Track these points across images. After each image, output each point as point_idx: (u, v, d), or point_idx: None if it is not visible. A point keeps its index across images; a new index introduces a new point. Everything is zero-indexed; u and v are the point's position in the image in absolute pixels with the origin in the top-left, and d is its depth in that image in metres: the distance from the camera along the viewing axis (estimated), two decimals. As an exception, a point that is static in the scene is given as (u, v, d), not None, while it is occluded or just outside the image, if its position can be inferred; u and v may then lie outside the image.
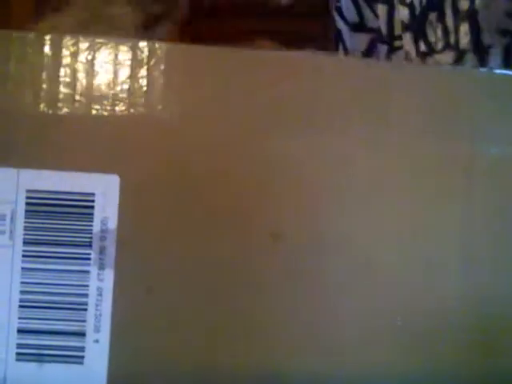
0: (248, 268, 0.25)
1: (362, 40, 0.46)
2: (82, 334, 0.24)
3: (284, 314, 0.25)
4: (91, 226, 0.24)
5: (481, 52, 0.35)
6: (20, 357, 0.24)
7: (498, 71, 0.25)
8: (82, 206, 0.24)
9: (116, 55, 0.25)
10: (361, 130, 0.25)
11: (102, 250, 0.24)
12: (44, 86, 0.24)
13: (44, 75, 0.24)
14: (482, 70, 0.25)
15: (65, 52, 0.24)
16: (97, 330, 0.24)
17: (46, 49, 0.24)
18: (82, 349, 0.24)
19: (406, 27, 0.41)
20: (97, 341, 0.24)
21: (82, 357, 0.24)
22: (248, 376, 0.25)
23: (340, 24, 0.48)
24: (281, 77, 0.25)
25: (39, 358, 0.24)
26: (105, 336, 0.24)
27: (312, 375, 0.25)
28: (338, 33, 0.48)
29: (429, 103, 0.25)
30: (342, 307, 0.25)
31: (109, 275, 0.24)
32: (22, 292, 0.24)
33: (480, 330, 0.25)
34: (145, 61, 0.25)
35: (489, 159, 0.25)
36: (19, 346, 0.24)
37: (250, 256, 0.25)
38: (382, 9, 0.43)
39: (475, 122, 0.25)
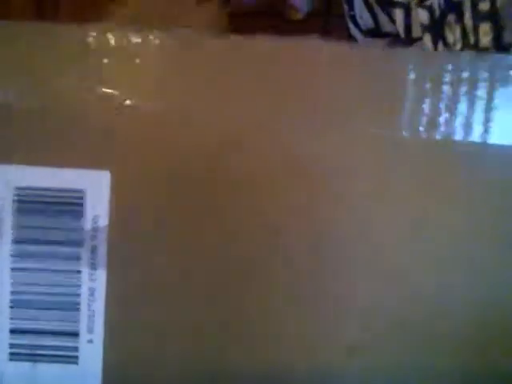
0: (247, 264, 0.24)
1: (378, 45, 0.46)
2: (75, 334, 0.24)
3: (284, 312, 0.24)
4: (82, 224, 0.23)
5: (502, 50, 0.34)
6: (13, 357, 0.24)
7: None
8: (71, 204, 0.23)
9: (106, 46, 0.23)
10: (362, 126, 0.24)
11: (93, 249, 0.23)
12: (32, 80, 0.23)
13: (32, 68, 0.23)
14: (497, 56, 0.24)
15: (54, 42, 0.23)
16: (90, 330, 0.24)
17: (36, 40, 0.23)
18: (75, 349, 0.24)
19: (425, 29, 0.41)
20: (90, 341, 0.24)
21: (76, 357, 0.24)
22: (247, 375, 0.24)
23: (354, 31, 0.48)
24: (281, 68, 0.23)
25: (33, 358, 0.24)
26: (98, 336, 0.24)
27: (312, 375, 0.24)
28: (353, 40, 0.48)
29: (439, 94, 0.24)
30: (343, 307, 0.24)
31: (100, 275, 0.23)
32: (13, 292, 0.23)
33: (480, 329, 0.24)
34: (137, 51, 0.23)
35: (500, 153, 0.24)
36: (12, 346, 0.24)
37: (249, 252, 0.24)
38: (399, 13, 0.43)
39: (488, 115, 0.24)
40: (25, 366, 0.24)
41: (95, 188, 0.23)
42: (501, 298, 0.24)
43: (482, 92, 0.23)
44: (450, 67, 0.23)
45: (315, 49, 0.24)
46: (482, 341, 0.24)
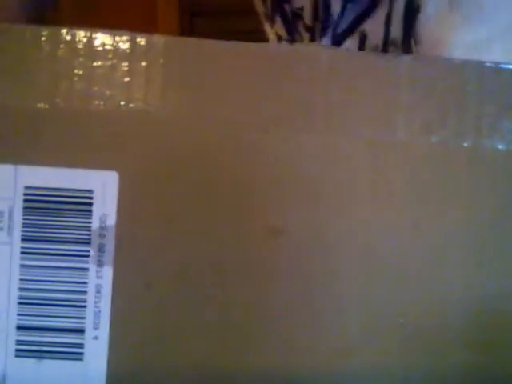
0: (248, 265, 0.24)
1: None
2: (81, 331, 0.24)
3: (284, 312, 0.25)
4: (90, 223, 0.24)
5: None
6: (19, 353, 0.24)
7: (503, 65, 0.24)
8: (80, 203, 0.24)
9: (114, 48, 0.24)
10: (362, 128, 0.24)
11: (100, 247, 0.24)
12: (41, 81, 0.24)
13: (41, 70, 0.24)
14: (488, 64, 0.24)
15: (62, 45, 0.24)
16: (96, 326, 0.24)
17: (44, 43, 0.24)
18: (81, 345, 0.24)
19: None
20: (96, 337, 0.24)
21: (82, 353, 0.24)
22: (248, 375, 0.25)
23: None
24: (283, 72, 0.24)
25: (39, 355, 0.24)
26: (104, 333, 0.24)
27: (313, 375, 0.25)
28: None
29: (433, 98, 0.24)
30: (344, 306, 0.25)
31: (107, 272, 0.24)
32: (21, 289, 0.24)
33: (481, 329, 0.25)
34: (143, 54, 0.24)
35: (493, 156, 0.25)
36: (18, 342, 0.24)
37: (250, 252, 0.24)
38: None
39: (481, 118, 0.25)
40: (30, 363, 0.24)
41: (103, 188, 0.24)
42: (502, 298, 0.25)
43: (473, 97, 0.24)
44: (443, 73, 0.24)
45: (314, 55, 0.24)
46: (483, 340, 0.25)
